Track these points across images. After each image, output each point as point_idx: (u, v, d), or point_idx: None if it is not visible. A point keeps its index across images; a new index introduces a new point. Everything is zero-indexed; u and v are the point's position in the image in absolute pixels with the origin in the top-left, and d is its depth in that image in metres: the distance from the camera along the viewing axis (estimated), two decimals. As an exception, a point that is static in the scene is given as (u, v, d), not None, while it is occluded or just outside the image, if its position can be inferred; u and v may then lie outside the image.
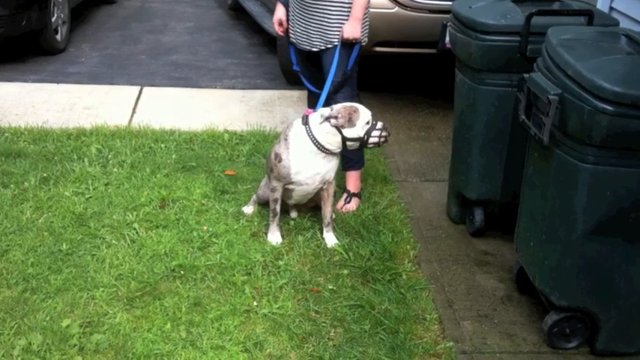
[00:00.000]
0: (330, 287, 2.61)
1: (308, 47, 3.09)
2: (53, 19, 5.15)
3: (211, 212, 3.06)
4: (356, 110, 2.75)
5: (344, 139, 2.74)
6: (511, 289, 2.67)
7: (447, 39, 3.18)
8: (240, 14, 6.41)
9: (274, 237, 2.88)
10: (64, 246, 2.77)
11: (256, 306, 2.49)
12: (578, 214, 2.16)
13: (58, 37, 5.31)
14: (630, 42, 2.24)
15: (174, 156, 3.55)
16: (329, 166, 2.83)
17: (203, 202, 3.14)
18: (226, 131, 3.88)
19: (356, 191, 3.22)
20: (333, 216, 2.99)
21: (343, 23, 2.97)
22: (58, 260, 2.69)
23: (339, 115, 2.71)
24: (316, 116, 2.78)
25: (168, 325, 2.37)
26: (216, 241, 2.84)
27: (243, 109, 4.27)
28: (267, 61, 5.25)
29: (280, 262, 2.73)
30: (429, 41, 4.07)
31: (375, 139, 2.77)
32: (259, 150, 3.67)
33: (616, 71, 2.05)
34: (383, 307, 2.51)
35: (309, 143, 2.76)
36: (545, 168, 2.27)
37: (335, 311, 2.49)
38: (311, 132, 2.75)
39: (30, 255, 2.71)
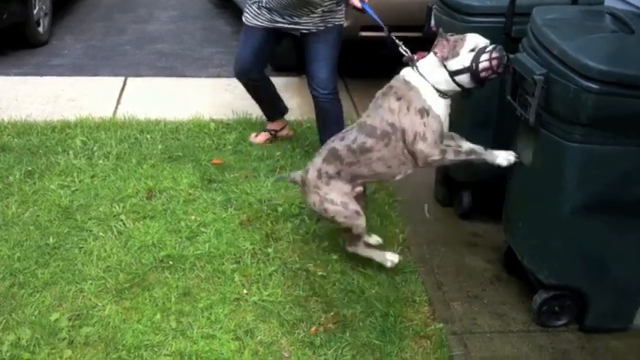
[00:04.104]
0: (320, 273, 2.61)
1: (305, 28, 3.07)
2: (35, 11, 5.07)
3: (199, 202, 3.05)
4: (462, 38, 2.32)
5: (451, 75, 2.31)
6: (500, 270, 2.68)
7: (433, 22, 3.17)
8: (224, 2, 6.35)
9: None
10: (51, 240, 2.75)
11: (246, 294, 2.49)
12: (565, 193, 2.16)
13: (41, 29, 5.23)
14: (615, 20, 2.24)
15: (160, 146, 3.52)
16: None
17: (190, 191, 3.12)
18: (212, 120, 3.86)
19: None
20: None
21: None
22: (45, 254, 2.67)
23: (442, 46, 2.32)
24: (426, 56, 2.38)
25: (158, 316, 2.36)
26: (205, 231, 2.83)
27: (229, 98, 4.24)
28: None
29: (269, 250, 2.73)
30: (416, 25, 4.05)
31: (486, 64, 2.27)
32: (245, 138, 3.66)
33: (601, 50, 2.05)
34: (373, 291, 2.52)
35: (430, 87, 2.34)
36: (532, 148, 2.27)
37: (325, 297, 2.49)
38: (422, 75, 2.35)
39: (16, 249, 2.69)
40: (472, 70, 2.30)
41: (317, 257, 2.71)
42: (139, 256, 2.66)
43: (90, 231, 2.82)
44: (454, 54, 2.32)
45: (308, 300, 2.47)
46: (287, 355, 2.24)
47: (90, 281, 2.52)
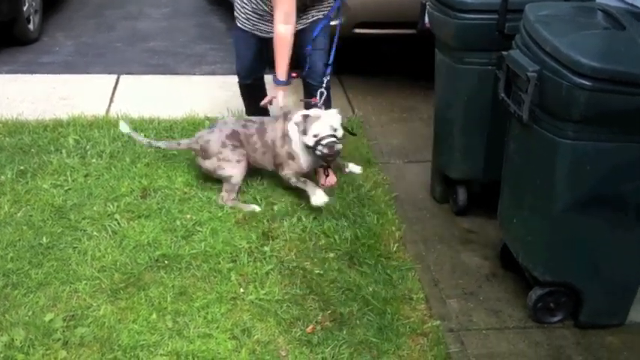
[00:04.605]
0: (317, 271, 2.61)
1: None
2: (25, 8, 5.02)
3: (194, 200, 3.03)
4: (316, 119, 2.85)
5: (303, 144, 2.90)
6: (495, 266, 2.69)
7: (426, 19, 3.16)
8: (217, -1, 6.33)
9: (320, 197, 2.88)
10: (45, 239, 2.73)
11: (243, 293, 2.49)
12: (559, 190, 2.17)
13: (31, 26, 5.19)
14: (607, 17, 2.25)
15: (154, 145, 3.50)
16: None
17: (185, 190, 3.11)
18: (207, 118, 3.84)
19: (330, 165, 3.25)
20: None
21: None
22: (39, 254, 2.65)
23: (301, 120, 2.89)
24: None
25: (154, 316, 2.36)
26: (200, 230, 2.82)
27: (224, 95, 4.22)
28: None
29: (266, 248, 2.72)
30: (409, 22, 4.05)
31: (319, 153, 2.83)
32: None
33: (593, 46, 2.06)
34: (370, 289, 2.52)
35: (299, 143, 2.96)
36: (526, 145, 2.28)
37: (322, 295, 2.49)
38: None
39: (9, 250, 2.67)
40: (314, 151, 2.85)
41: (313, 255, 2.71)
42: (134, 256, 2.65)
43: (84, 230, 2.80)
44: (304, 131, 2.86)
45: (305, 298, 2.47)
46: (284, 354, 2.24)
47: (84, 281, 2.51)
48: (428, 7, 2.91)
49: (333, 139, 2.81)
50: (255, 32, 3.19)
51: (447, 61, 2.80)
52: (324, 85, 3.13)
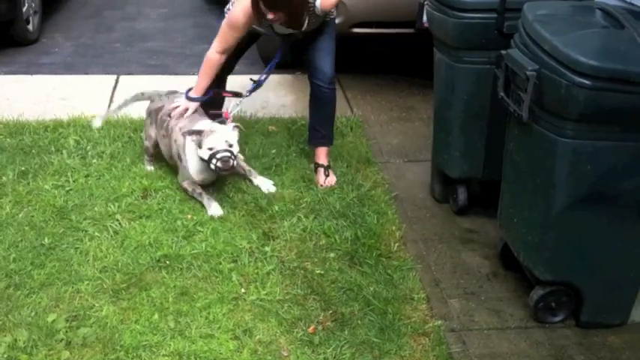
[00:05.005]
0: (318, 271, 2.62)
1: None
2: (24, 9, 5.02)
3: (195, 200, 3.04)
4: (209, 133, 2.90)
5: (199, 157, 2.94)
6: (496, 266, 2.70)
7: (425, 18, 3.17)
8: (215, -2, 6.33)
9: (215, 209, 2.95)
10: (46, 240, 2.73)
11: (244, 293, 2.49)
12: (559, 189, 2.18)
13: (30, 27, 5.18)
14: (605, 15, 2.25)
15: (154, 145, 3.51)
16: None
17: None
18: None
19: (329, 164, 3.24)
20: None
21: None
22: (41, 255, 2.66)
23: (196, 135, 2.94)
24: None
25: (156, 316, 2.36)
26: (201, 230, 2.83)
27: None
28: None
29: (266, 249, 2.73)
30: (407, 21, 4.06)
31: (213, 166, 2.87)
32: (240, 136, 3.63)
33: (592, 45, 2.06)
34: (371, 289, 2.53)
35: (195, 154, 3.02)
36: (526, 144, 2.29)
37: (323, 295, 2.50)
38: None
39: (11, 250, 2.67)
40: (209, 164, 2.89)
41: (314, 255, 2.71)
42: (135, 256, 2.66)
43: (85, 231, 2.81)
44: (200, 145, 2.90)
45: (306, 298, 2.48)
46: (286, 354, 2.24)
47: (86, 282, 2.52)
48: (426, 6, 2.92)
49: (228, 153, 2.85)
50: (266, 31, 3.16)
51: (445, 60, 2.80)
52: (332, 87, 3.14)
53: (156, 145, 3.24)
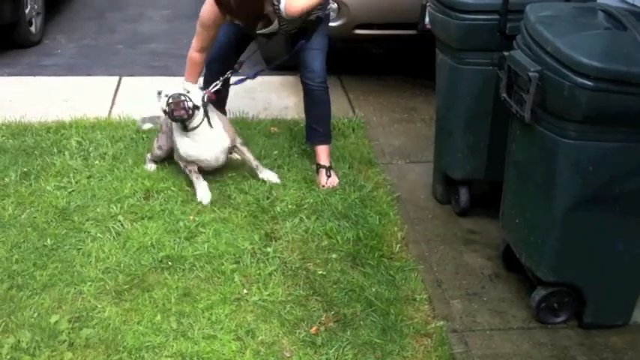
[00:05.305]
0: (320, 272, 2.62)
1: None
2: (27, 11, 5.03)
3: (197, 201, 3.04)
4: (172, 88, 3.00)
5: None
6: (498, 267, 2.70)
7: (427, 19, 3.17)
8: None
9: (204, 195, 3.04)
10: (49, 241, 2.74)
11: (246, 294, 2.49)
12: (561, 190, 2.18)
13: (33, 28, 5.19)
14: (608, 17, 2.25)
15: (156, 146, 3.51)
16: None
17: (188, 191, 3.12)
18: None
19: (331, 165, 3.25)
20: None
21: None
22: (43, 256, 2.66)
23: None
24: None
25: (159, 317, 2.36)
26: (203, 231, 2.83)
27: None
28: (248, 47, 5.20)
29: (269, 249, 2.73)
30: (410, 22, 4.06)
31: (167, 107, 2.94)
32: (242, 137, 3.64)
33: (595, 47, 2.06)
34: (373, 290, 2.53)
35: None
36: (528, 145, 2.29)
37: (325, 296, 2.50)
38: None
39: (14, 251, 2.68)
40: (167, 113, 2.98)
41: (316, 256, 2.71)
42: (137, 257, 2.66)
43: (88, 232, 2.81)
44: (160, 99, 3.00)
45: (308, 299, 2.48)
46: (288, 355, 2.24)
47: (89, 283, 2.52)
48: (428, 7, 2.92)
49: (181, 95, 2.92)
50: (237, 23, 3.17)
51: (448, 61, 2.80)
52: (323, 86, 3.14)
53: (162, 158, 3.30)
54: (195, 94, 3.00)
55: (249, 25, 3.03)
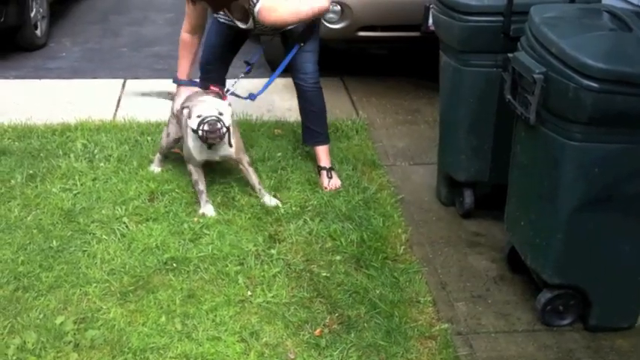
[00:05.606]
0: (324, 274, 2.62)
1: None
2: (32, 14, 5.06)
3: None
4: (199, 103, 2.89)
5: (192, 130, 2.88)
6: (503, 269, 2.69)
7: (430, 21, 3.17)
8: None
9: (208, 210, 2.98)
10: (54, 243, 2.75)
11: (250, 295, 2.50)
12: (566, 192, 2.17)
13: (38, 32, 5.23)
14: (613, 18, 2.25)
15: (161, 148, 3.52)
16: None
17: (192, 193, 3.12)
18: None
19: (332, 166, 3.25)
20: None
21: None
22: (49, 257, 2.67)
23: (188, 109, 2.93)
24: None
25: (163, 318, 2.37)
26: (208, 232, 2.84)
27: (229, 98, 4.23)
28: (251, 50, 5.18)
29: (273, 251, 2.73)
30: (413, 24, 4.06)
31: (201, 133, 2.82)
32: (246, 139, 3.65)
33: (600, 48, 2.06)
34: (377, 292, 2.52)
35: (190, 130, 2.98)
36: (533, 147, 2.29)
37: (329, 297, 2.50)
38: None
39: (20, 253, 2.69)
40: (197, 133, 2.84)
41: (320, 258, 2.71)
42: (142, 259, 2.67)
43: (93, 234, 2.82)
44: (189, 115, 2.87)
45: (312, 301, 2.48)
46: (293, 357, 2.24)
47: (94, 284, 2.53)
48: (432, 9, 2.92)
49: (216, 118, 2.80)
50: (230, 23, 3.18)
51: (452, 63, 2.80)
52: (316, 87, 3.15)
53: (170, 146, 3.25)
54: (227, 114, 2.88)
55: (216, 8, 3.02)
